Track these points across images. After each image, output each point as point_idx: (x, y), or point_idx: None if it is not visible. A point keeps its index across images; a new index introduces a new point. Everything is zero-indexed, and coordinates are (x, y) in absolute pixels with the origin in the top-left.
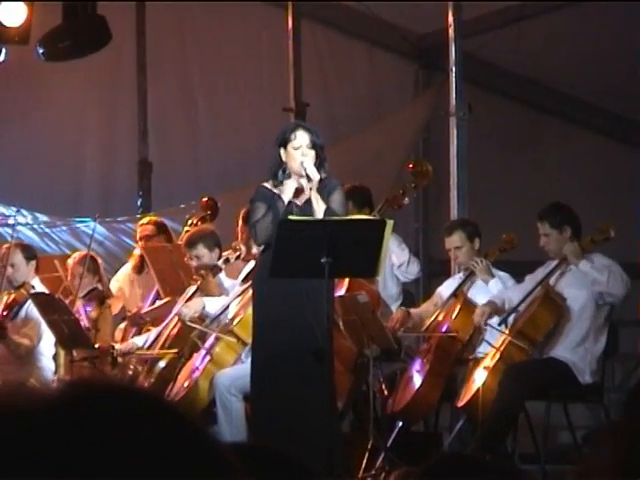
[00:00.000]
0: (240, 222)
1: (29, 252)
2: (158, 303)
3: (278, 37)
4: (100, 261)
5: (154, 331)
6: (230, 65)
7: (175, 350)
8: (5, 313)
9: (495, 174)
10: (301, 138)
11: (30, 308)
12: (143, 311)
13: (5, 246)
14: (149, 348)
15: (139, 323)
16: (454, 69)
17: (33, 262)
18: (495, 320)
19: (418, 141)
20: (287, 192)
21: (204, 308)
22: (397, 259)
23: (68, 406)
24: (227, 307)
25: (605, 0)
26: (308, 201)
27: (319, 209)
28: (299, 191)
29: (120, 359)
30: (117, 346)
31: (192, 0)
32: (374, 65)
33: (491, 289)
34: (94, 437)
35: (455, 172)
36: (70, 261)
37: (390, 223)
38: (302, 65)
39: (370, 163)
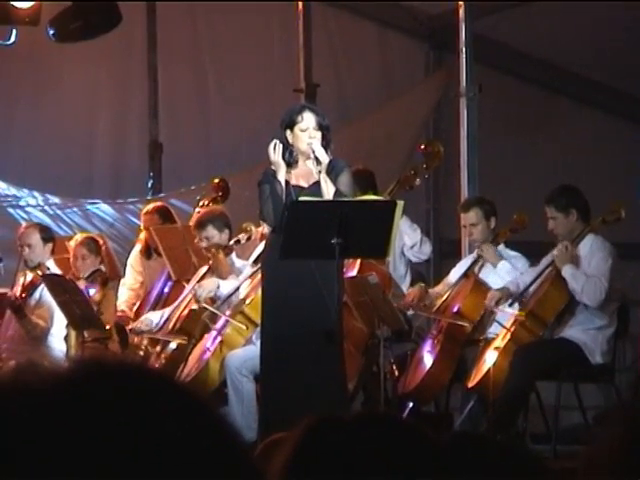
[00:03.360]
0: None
1: (47, 233)
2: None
3: (289, 18)
4: (101, 242)
5: (168, 309)
6: (241, 46)
7: (184, 337)
8: (23, 294)
9: (506, 154)
10: (308, 120)
11: (44, 290)
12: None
13: (24, 226)
14: (161, 329)
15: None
16: (464, 50)
17: (50, 244)
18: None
19: (429, 122)
20: (280, 171)
21: (218, 288)
22: (409, 240)
23: (79, 384)
24: (238, 288)
25: None
26: (317, 183)
27: (328, 191)
28: (292, 166)
29: (134, 339)
30: (132, 325)
31: None
32: (385, 46)
33: (499, 272)
34: (104, 415)
35: (465, 153)
36: (72, 243)
37: (400, 204)
38: (312, 46)
39: (381, 144)
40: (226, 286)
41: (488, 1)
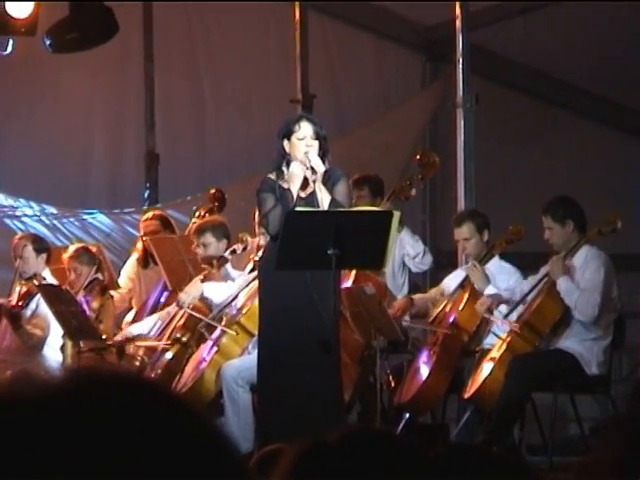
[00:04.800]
0: (257, 214)
1: (39, 244)
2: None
3: (285, 28)
4: (95, 251)
5: (151, 318)
6: (237, 57)
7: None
8: (19, 304)
9: (502, 165)
10: (305, 129)
11: (40, 299)
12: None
13: (17, 237)
14: (157, 339)
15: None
16: (461, 61)
17: (43, 255)
18: (503, 308)
19: (425, 133)
20: (295, 180)
21: (202, 294)
22: (413, 250)
23: (74, 394)
24: (236, 297)
25: None
26: (313, 192)
27: (324, 200)
28: (306, 179)
29: (127, 349)
30: (116, 338)
31: None
32: (381, 57)
33: (489, 290)
34: (97, 425)
35: (462, 164)
36: (65, 255)
37: (397, 214)
38: (309, 57)
39: (377, 155)
40: (211, 290)
41: (487, 1)
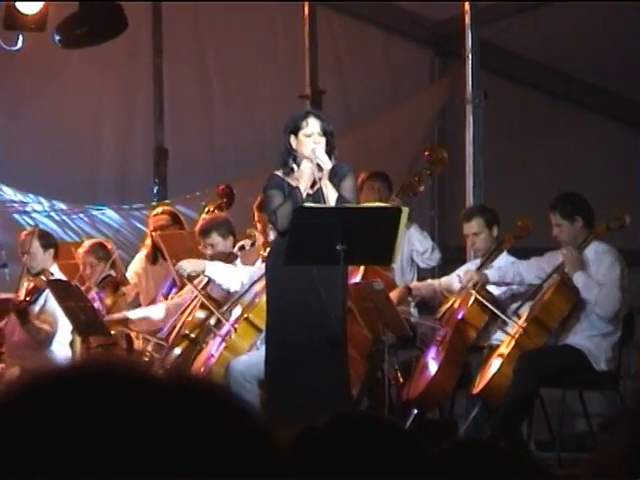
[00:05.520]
0: (256, 212)
1: (46, 240)
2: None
3: (294, 24)
4: (110, 247)
5: (162, 304)
6: (246, 52)
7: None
8: (27, 299)
9: (511, 161)
10: (312, 125)
11: (49, 295)
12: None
13: (24, 233)
14: (167, 336)
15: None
16: (470, 56)
17: (51, 250)
18: (493, 288)
19: (434, 128)
20: (305, 178)
21: (204, 271)
22: (421, 246)
23: (80, 383)
24: (253, 284)
25: None
26: (319, 189)
27: (331, 197)
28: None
29: (136, 345)
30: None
31: None
32: (390, 52)
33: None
34: (104, 414)
35: (471, 159)
36: (80, 250)
37: (406, 211)
38: (318, 52)
39: (386, 150)
40: (216, 273)
41: (496, 1)
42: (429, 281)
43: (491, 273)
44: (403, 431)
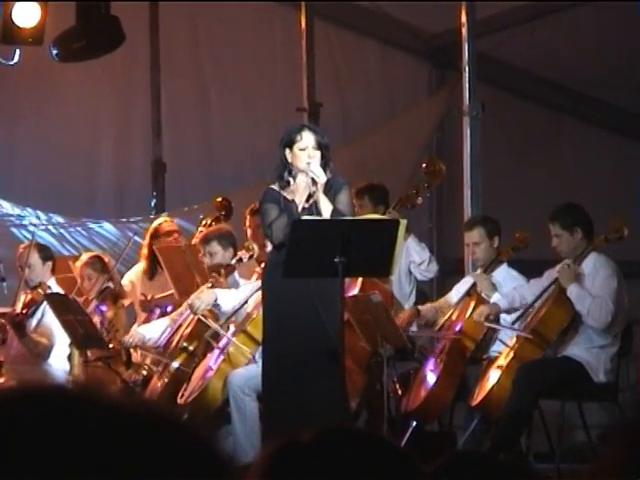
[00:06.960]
0: (248, 217)
1: (45, 253)
2: (170, 291)
3: (291, 36)
4: (108, 260)
5: (161, 321)
6: (243, 65)
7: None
8: (24, 312)
9: (509, 173)
10: (307, 139)
11: (46, 308)
12: (157, 296)
13: (22, 246)
14: (165, 348)
15: (151, 309)
16: (467, 68)
17: (49, 263)
18: (510, 317)
19: (432, 140)
20: (302, 192)
21: (216, 300)
22: (419, 257)
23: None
24: (244, 303)
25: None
26: (314, 202)
27: (325, 210)
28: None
29: (134, 358)
30: (124, 339)
31: (205, 0)
32: (387, 64)
33: (494, 299)
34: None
35: (468, 171)
36: (78, 263)
37: (404, 222)
38: (315, 65)
39: (384, 163)
40: (225, 298)
41: (495, 0)
42: (439, 302)
43: (501, 302)
44: (394, 448)
